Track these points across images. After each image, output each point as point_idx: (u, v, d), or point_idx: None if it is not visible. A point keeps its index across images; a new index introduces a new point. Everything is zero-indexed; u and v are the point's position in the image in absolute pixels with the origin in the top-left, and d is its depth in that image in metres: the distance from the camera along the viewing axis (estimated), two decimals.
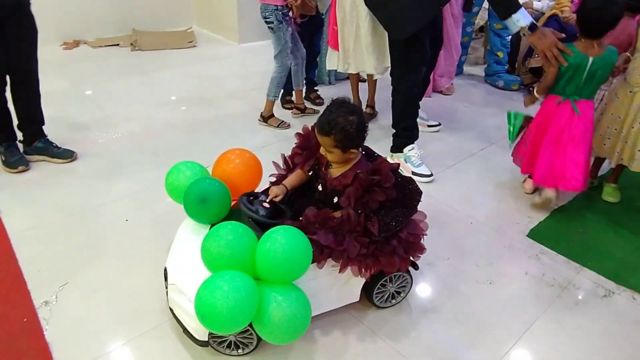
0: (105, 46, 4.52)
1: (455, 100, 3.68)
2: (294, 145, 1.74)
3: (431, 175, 2.54)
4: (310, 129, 1.70)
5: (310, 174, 1.70)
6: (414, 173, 2.52)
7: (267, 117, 3.10)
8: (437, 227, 2.08)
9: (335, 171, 1.58)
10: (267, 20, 2.82)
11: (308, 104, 3.37)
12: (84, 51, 4.42)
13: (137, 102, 3.42)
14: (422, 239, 1.59)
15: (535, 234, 2.16)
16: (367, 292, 1.66)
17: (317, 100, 3.43)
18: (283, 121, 3.11)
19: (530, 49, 3.77)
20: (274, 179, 1.80)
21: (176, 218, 1.91)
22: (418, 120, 2.69)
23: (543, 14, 3.86)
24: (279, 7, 2.76)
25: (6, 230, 2.05)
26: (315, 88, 3.47)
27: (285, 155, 1.81)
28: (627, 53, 2.22)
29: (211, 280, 1.29)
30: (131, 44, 4.51)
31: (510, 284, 1.88)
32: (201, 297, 1.27)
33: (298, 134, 1.73)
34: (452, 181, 2.57)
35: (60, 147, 2.64)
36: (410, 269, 1.66)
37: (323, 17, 3.20)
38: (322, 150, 1.55)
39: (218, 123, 3.15)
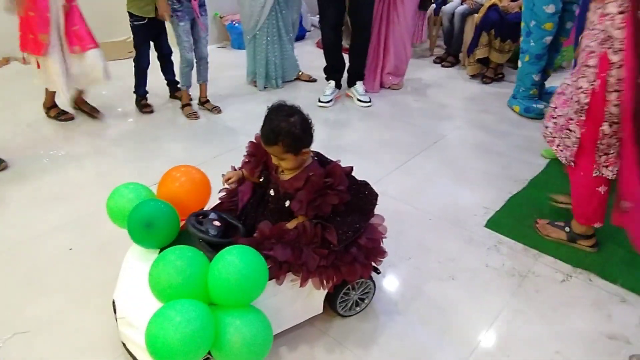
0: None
1: (404, 94, 3.69)
2: (245, 154, 1.68)
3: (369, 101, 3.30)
4: (258, 137, 1.63)
5: (261, 180, 1.63)
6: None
7: (182, 105, 3.32)
8: (396, 227, 2.05)
9: (287, 174, 1.52)
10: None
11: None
12: (15, 68, 4.13)
13: (75, 120, 3.22)
14: (382, 242, 1.55)
15: (493, 224, 2.18)
16: (330, 302, 1.61)
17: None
18: (194, 112, 3.27)
19: (476, 38, 3.83)
20: (223, 194, 1.72)
21: (124, 243, 1.80)
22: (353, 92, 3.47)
23: (482, 5, 3.94)
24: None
25: None
26: (179, 86, 3.42)
27: (235, 167, 1.73)
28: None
29: (161, 311, 1.20)
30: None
31: (472, 278, 1.88)
32: (152, 330, 1.18)
33: (250, 141, 1.66)
34: (406, 177, 2.56)
35: None
36: (373, 273, 1.62)
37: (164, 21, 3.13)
38: (274, 161, 1.48)
39: (162, 137, 3.01)
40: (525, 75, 3.23)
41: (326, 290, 1.54)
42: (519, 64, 3.26)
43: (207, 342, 1.20)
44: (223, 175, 1.70)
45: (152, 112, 3.31)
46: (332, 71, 3.60)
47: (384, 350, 1.57)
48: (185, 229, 1.53)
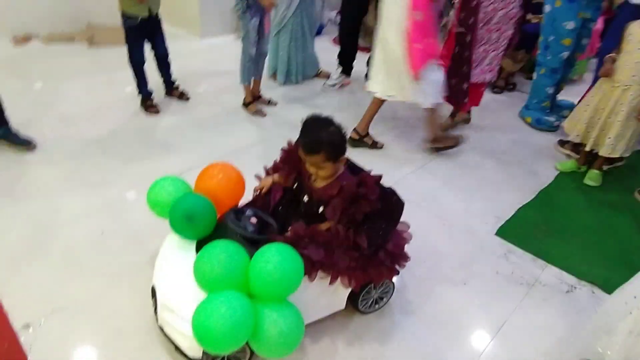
0: (60, 42, 4.31)
1: None
2: (277, 160, 1.77)
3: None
4: (293, 144, 1.73)
5: (294, 187, 1.73)
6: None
7: (246, 103, 3.32)
8: (412, 231, 2.16)
9: (321, 183, 1.61)
10: (236, 7, 3.01)
11: (176, 101, 3.42)
12: (36, 47, 4.20)
13: (100, 103, 3.31)
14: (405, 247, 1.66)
15: (503, 233, 2.29)
16: (352, 299, 1.72)
17: (184, 95, 3.44)
18: (259, 110, 3.30)
19: None
20: (257, 192, 1.82)
21: (154, 230, 1.94)
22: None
23: None
24: None
25: None
26: (175, 86, 3.43)
27: (267, 167, 1.83)
28: (613, 54, 2.41)
29: (207, 302, 1.31)
30: (87, 40, 4.32)
31: (483, 284, 1.99)
32: (199, 319, 1.29)
33: (282, 149, 1.75)
34: (419, 183, 2.66)
35: (20, 136, 2.67)
36: None
37: (159, 18, 3.12)
38: (311, 170, 1.57)
39: (188, 126, 3.10)
40: (539, 88, 3.33)
41: (349, 289, 1.65)
42: (534, 76, 3.35)
43: (248, 331, 1.31)
44: (258, 177, 1.80)
45: (157, 112, 3.20)
46: (344, 58, 3.84)
47: (401, 346, 1.68)
48: (222, 223, 1.63)
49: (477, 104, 3.31)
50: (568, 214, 2.45)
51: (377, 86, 2.77)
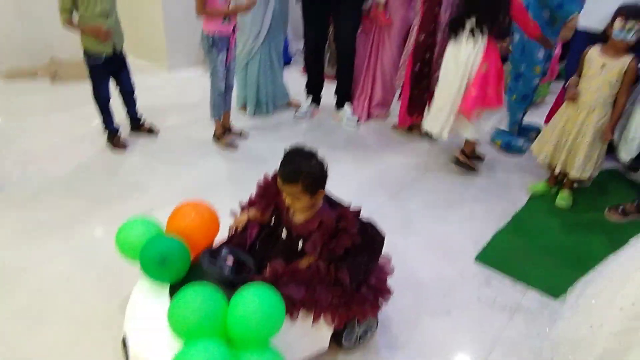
0: (21, 77, 4.18)
1: (389, 127, 3.80)
2: (253, 195, 1.72)
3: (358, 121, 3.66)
4: (269, 178, 1.69)
5: (272, 222, 1.68)
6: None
7: (217, 136, 3.28)
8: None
9: (300, 217, 1.57)
10: (202, 43, 3.03)
11: (144, 136, 3.32)
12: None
13: (64, 140, 3.20)
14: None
15: (483, 258, 2.28)
16: (335, 336, 1.65)
17: (153, 130, 3.36)
18: (232, 142, 3.26)
19: None
20: (232, 232, 1.75)
21: (124, 274, 1.87)
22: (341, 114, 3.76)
23: None
24: (209, 35, 2.92)
25: None
26: (142, 122, 3.35)
27: (242, 202, 1.78)
28: (574, 78, 2.52)
29: (183, 353, 1.23)
30: (50, 75, 4.21)
31: (467, 313, 1.97)
32: None
33: (258, 184, 1.71)
34: (395, 211, 2.64)
35: None
36: None
37: (124, 54, 3.06)
38: (287, 201, 1.54)
39: (157, 162, 3.02)
40: (510, 114, 3.41)
41: (332, 327, 1.59)
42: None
43: None
44: (234, 214, 1.74)
45: (125, 148, 3.10)
46: (312, 87, 3.87)
47: None
48: (198, 264, 1.56)
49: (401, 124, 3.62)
50: (543, 236, 2.48)
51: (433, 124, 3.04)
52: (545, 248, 2.38)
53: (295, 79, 4.44)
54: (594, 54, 2.45)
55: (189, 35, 4.68)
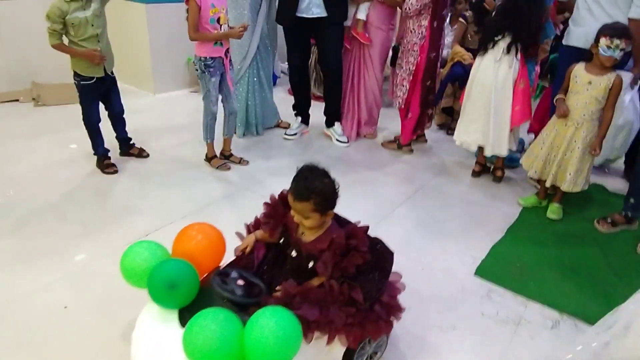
0: (3, 102, 4.10)
1: (378, 145, 3.84)
2: (260, 215, 1.71)
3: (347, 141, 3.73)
4: (276, 197, 1.69)
5: (281, 241, 1.67)
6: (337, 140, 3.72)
7: (209, 158, 3.25)
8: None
9: (309, 236, 1.57)
10: (195, 67, 3.03)
11: (134, 159, 3.28)
12: None
13: (51, 165, 3.13)
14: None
15: (482, 272, 2.31)
16: (347, 357, 1.64)
17: (143, 152, 3.33)
18: (224, 163, 3.23)
19: (441, 90, 4.09)
20: (239, 253, 1.74)
21: (124, 300, 1.84)
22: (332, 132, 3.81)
23: (446, 60, 4.24)
24: (201, 58, 2.93)
25: None
26: (131, 143, 3.33)
27: (249, 223, 1.77)
28: (561, 95, 2.62)
29: None
30: (33, 99, 4.14)
31: (471, 327, 1.98)
32: None
33: (265, 203, 1.70)
34: (390, 229, 2.64)
35: None
36: None
37: (114, 76, 3.06)
38: (296, 218, 1.53)
39: (150, 184, 2.98)
40: None
41: (344, 348, 1.58)
42: None
43: None
44: (240, 235, 1.73)
45: (116, 172, 3.04)
46: (299, 108, 3.90)
47: None
48: (206, 287, 1.54)
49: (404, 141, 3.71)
50: (539, 249, 2.52)
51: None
52: (542, 260, 2.43)
53: (282, 100, 4.47)
54: (579, 71, 2.54)
55: (173, 59, 4.72)
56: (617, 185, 3.29)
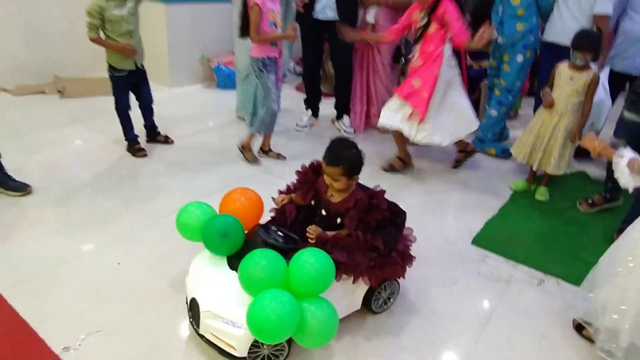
0: (30, 94, 4.37)
1: (383, 134, 4.17)
2: (293, 182, 2.03)
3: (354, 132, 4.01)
4: (307, 166, 2.00)
5: (312, 203, 1.98)
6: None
7: (245, 148, 3.39)
8: None
9: (337, 198, 1.88)
10: (253, 67, 3.18)
11: (160, 146, 3.56)
12: (6, 99, 4.24)
13: (85, 150, 3.43)
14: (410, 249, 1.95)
15: (478, 241, 2.63)
16: (365, 301, 1.95)
17: (168, 139, 3.62)
18: (256, 158, 3.41)
19: None
20: (273, 214, 2.05)
21: (166, 259, 2.19)
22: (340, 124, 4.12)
23: None
24: (259, 59, 3.11)
25: None
26: (158, 130, 3.62)
27: (281, 189, 2.08)
28: (547, 89, 2.96)
29: (260, 299, 1.50)
30: (59, 91, 4.41)
31: (470, 284, 2.30)
32: (255, 314, 1.47)
33: (298, 171, 2.02)
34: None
35: (16, 180, 2.75)
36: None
37: (144, 69, 3.34)
38: (327, 181, 1.84)
39: (177, 167, 3.27)
40: (497, 123, 3.82)
41: (364, 291, 1.89)
42: (493, 113, 3.79)
43: (296, 320, 1.51)
44: (274, 198, 2.04)
45: (145, 155, 3.34)
46: (311, 101, 4.22)
47: (412, 337, 1.93)
48: (249, 239, 1.84)
49: None
50: (527, 224, 2.85)
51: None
52: (530, 232, 2.76)
53: (288, 95, 4.79)
54: (563, 68, 2.89)
55: (189, 56, 5.04)
56: (598, 172, 3.63)
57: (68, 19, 4.64)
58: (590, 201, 3.03)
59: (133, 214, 2.67)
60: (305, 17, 3.73)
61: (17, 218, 2.55)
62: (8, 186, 2.72)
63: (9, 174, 2.75)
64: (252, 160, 3.39)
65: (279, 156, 3.52)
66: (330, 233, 1.83)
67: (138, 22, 3.19)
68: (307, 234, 1.80)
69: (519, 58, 3.56)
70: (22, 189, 2.73)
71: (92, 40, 3.06)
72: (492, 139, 3.89)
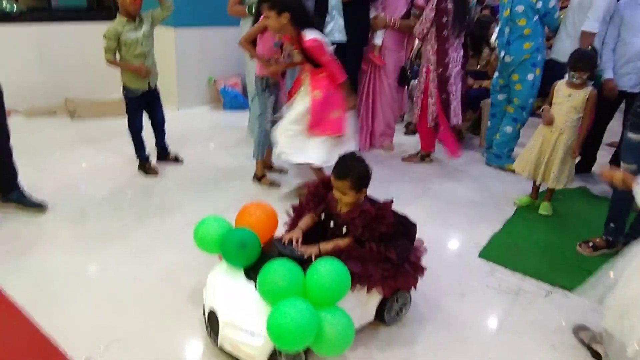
0: (41, 116, 4.48)
1: (385, 153, 4.26)
2: (305, 194, 2.09)
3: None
4: (317, 181, 2.08)
5: (322, 217, 2.05)
6: None
7: (259, 177, 3.39)
8: None
9: (345, 209, 1.94)
10: (255, 85, 3.24)
11: (170, 165, 3.62)
12: (18, 121, 4.33)
13: (98, 168, 3.51)
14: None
15: (485, 255, 2.69)
16: (378, 312, 2.00)
17: (178, 158, 3.68)
18: (274, 181, 3.39)
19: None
20: (287, 227, 2.11)
21: (182, 272, 2.25)
22: None
23: None
24: (262, 77, 3.16)
25: (12, 301, 2.06)
26: (168, 152, 3.68)
27: (293, 205, 2.15)
28: (546, 105, 3.06)
29: (280, 307, 1.55)
30: (70, 113, 4.52)
31: (478, 296, 2.34)
32: (275, 322, 1.52)
33: (308, 185, 2.09)
34: None
35: (33, 198, 2.82)
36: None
37: (158, 90, 3.44)
38: (336, 195, 1.91)
39: (189, 184, 3.34)
40: (512, 139, 3.95)
41: (377, 302, 1.94)
42: (509, 130, 3.91)
43: (315, 328, 1.56)
44: (288, 213, 2.11)
45: (157, 173, 3.40)
46: None
47: (424, 348, 1.97)
48: (265, 252, 1.90)
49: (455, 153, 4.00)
50: (532, 237, 2.91)
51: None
52: (535, 245, 2.82)
53: None
54: (561, 86, 2.99)
55: (196, 78, 5.19)
56: (600, 188, 3.70)
57: (80, 43, 4.78)
58: (591, 244, 2.79)
59: (147, 229, 2.73)
60: None
61: (35, 235, 2.61)
62: (25, 204, 2.79)
63: (26, 191, 2.82)
64: (270, 184, 3.39)
65: (280, 171, 3.57)
66: (325, 245, 1.88)
67: (152, 45, 3.31)
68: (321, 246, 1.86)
69: (530, 77, 3.71)
70: (38, 206, 2.80)
71: (109, 62, 3.17)
72: (508, 155, 4.00)
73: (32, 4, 4.82)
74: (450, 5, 3.52)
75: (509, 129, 3.93)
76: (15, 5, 4.55)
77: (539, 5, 3.53)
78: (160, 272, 2.34)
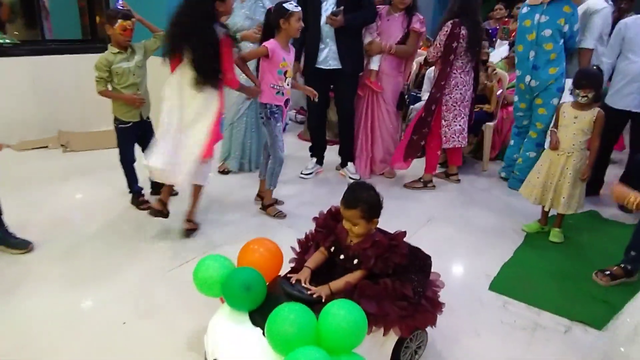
0: (32, 149, 4.35)
1: (390, 182, 4.17)
2: (315, 227, 1.98)
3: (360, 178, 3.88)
4: (326, 212, 1.97)
5: (332, 250, 1.92)
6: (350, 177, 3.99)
7: (266, 206, 3.32)
8: None
9: (355, 240, 1.83)
10: (260, 115, 3.17)
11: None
12: (9, 154, 4.19)
13: (88, 202, 3.38)
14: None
15: (496, 287, 2.57)
16: (394, 353, 1.86)
17: (173, 190, 3.33)
18: (280, 211, 3.31)
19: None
20: (293, 264, 1.99)
21: (175, 315, 2.12)
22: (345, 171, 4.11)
23: None
24: (267, 105, 3.09)
25: None
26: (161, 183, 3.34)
27: (300, 238, 2.03)
28: (553, 128, 3.01)
29: (295, 357, 1.42)
30: (62, 145, 4.40)
31: (494, 333, 2.22)
32: None
33: (315, 218, 1.98)
34: None
35: (17, 237, 2.67)
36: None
37: (150, 121, 3.31)
38: (346, 225, 1.80)
39: (182, 218, 3.20)
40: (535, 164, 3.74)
41: (394, 343, 1.81)
42: (532, 155, 3.82)
43: None
44: (293, 248, 2.00)
45: (150, 208, 3.05)
46: (316, 149, 4.21)
47: None
48: (271, 292, 1.78)
49: (459, 164, 4.17)
50: (544, 266, 2.80)
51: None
52: (548, 275, 2.71)
53: (291, 143, 4.80)
54: (567, 108, 2.95)
55: None
56: (610, 212, 3.63)
57: (74, 75, 4.70)
58: (608, 272, 2.67)
59: (139, 268, 2.58)
60: (309, 66, 3.80)
61: (19, 276, 2.46)
62: (9, 244, 2.64)
63: (10, 231, 2.68)
64: (276, 215, 3.29)
65: (277, 201, 3.43)
66: (336, 283, 1.76)
67: (145, 75, 3.23)
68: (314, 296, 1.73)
69: (554, 101, 3.67)
70: (23, 246, 2.65)
71: (100, 93, 3.08)
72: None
73: (26, 37, 4.76)
74: (464, 31, 3.55)
75: (532, 154, 3.85)
76: (5, 38, 4.49)
77: (566, 28, 3.51)
78: (152, 316, 2.20)
